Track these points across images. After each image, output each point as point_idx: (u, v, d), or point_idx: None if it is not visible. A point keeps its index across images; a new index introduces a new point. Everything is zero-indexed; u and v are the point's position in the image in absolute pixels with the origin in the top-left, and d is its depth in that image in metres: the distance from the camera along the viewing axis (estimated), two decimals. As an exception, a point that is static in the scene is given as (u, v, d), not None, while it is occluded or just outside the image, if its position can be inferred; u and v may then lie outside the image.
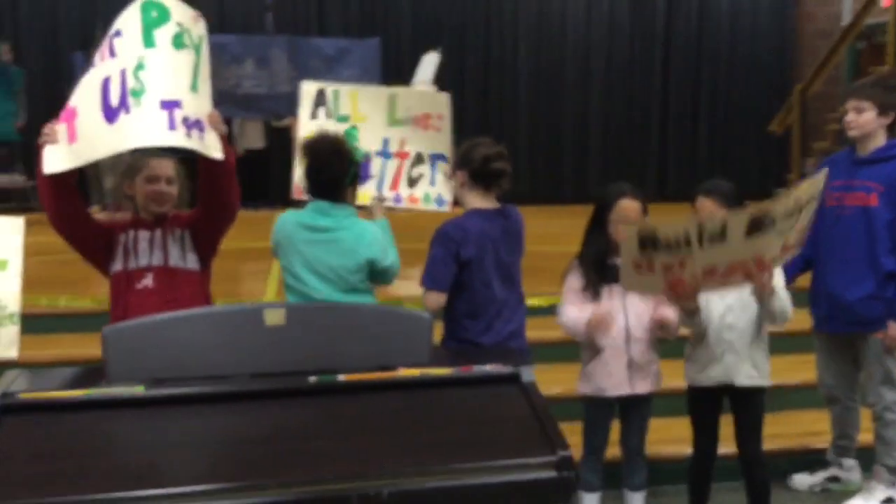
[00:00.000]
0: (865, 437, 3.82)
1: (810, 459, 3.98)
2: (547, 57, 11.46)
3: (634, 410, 3.31)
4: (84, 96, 2.83)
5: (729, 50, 11.67)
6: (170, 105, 2.75)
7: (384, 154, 4.39)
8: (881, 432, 3.61)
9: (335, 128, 4.26)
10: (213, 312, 2.41)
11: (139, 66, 2.77)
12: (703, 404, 3.33)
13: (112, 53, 2.83)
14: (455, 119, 10.99)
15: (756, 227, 2.55)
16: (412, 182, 4.59)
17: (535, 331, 3.43)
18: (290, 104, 10.22)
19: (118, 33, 2.85)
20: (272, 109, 10.40)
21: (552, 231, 8.45)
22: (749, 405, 3.28)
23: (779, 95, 11.10)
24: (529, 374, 2.41)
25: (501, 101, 11.46)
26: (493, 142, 3.23)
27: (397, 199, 4.23)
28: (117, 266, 3.02)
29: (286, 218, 3.24)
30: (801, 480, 3.92)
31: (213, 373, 2.27)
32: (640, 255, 2.62)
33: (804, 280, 3.72)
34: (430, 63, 10.24)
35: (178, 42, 2.84)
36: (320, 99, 4.72)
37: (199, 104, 2.85)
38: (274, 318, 2.32)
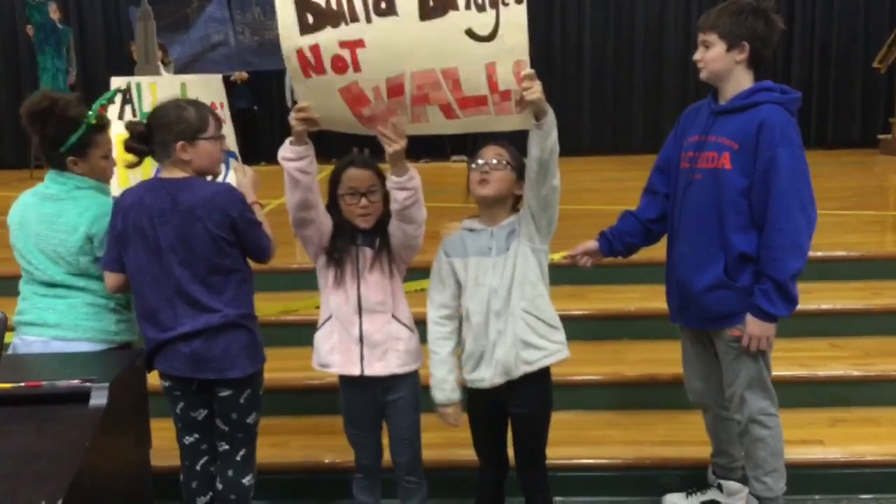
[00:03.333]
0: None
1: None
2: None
3: (392, 409, 2.77)
4: None
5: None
6: None
7: None
8: (749, 449, 2.87)
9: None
10: None
11: None
12: (483, 414, 2.74)
13: None
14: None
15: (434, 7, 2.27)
16: None
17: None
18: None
19: None
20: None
21: (594, 185, 7.79)
22: (529, 402, 2.66)
23: (890, 27, 9.62)
24: (101, 395, 1.98)
25: (565, 44, 10.61)
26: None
27: None
28: None
29: (25, 193, 2.89)
30: (673, 503, 3.23)
31: None
32: (301, 34, 2.32)
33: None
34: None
35: None
36: (127, 96, 4.25)
37: None
38: None
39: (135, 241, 2.57)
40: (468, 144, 10.05)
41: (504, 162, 2.59)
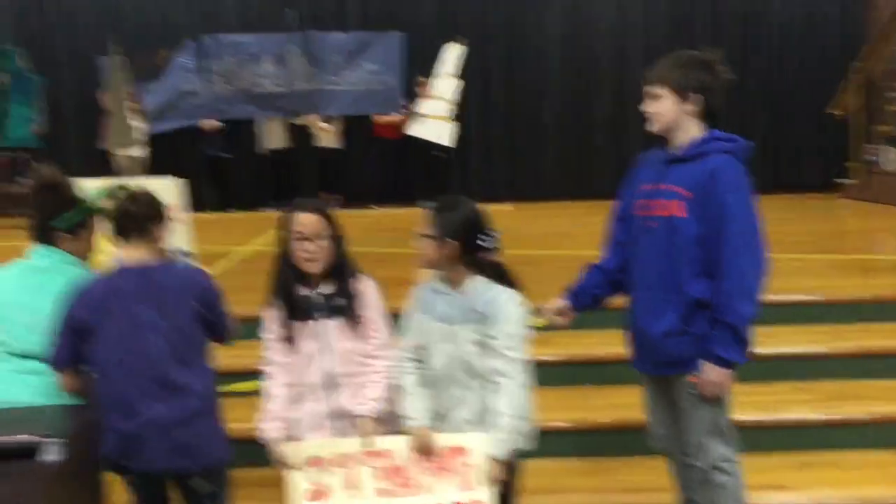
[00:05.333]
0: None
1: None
2: (579, 43, 10.77)
3: None
4: None
5: (784, 21, 10.51)
6: None
7: None
8: (710, 496, 2.86)
9: None
10: None
11: None
12: None
13: None
14: (481, 116, 10.78)
15: None
16: None
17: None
18: (307, 102, 10.21)
19: None
20: (290, 107, 10.23)
21: (565, 230, 7.84)
22: None
23: (844, 73, 9.89)
24: (56, 451, 1.95)
25: (528, 93, 10.80)
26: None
27: None
28: None
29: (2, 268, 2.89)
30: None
31: None
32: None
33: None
34: (452, 55, 9.78)
35: None
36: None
37: None
38: None
39: (106, 328, 2.51)
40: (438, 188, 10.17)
41: (430, 234, 2.57)
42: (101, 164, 9.90)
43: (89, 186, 3.61)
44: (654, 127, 2.80)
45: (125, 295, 2.51)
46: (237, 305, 2.80)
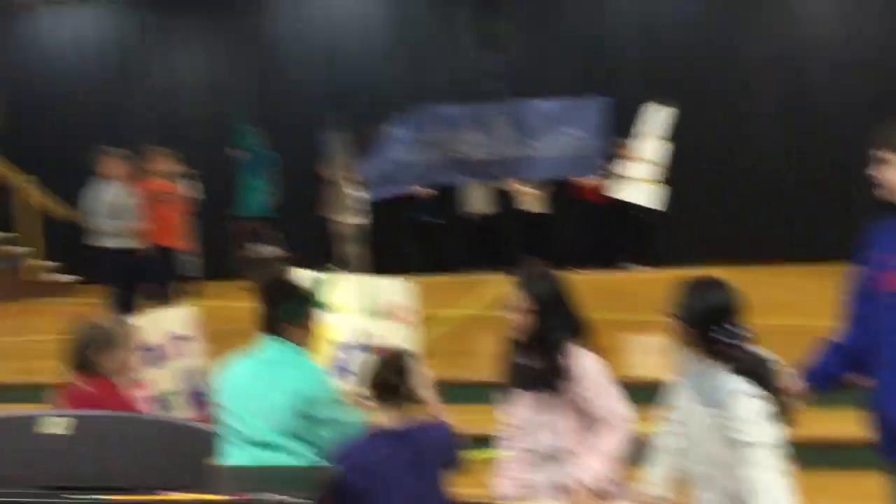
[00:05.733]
0: None
1: None
2: (798, 94, 10.32)
3: None
4: None
5: None
6: None
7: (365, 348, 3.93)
8: None
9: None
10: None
11: None
12: None
13: None
14: (692, 177, 10.50)
15: None
16: None
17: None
18: (511, 168, 10.45)
19: None
20: (494, 173, 10.49)
21: (786, 297, 7.36)
22: None
23: None
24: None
25: (742, 151, 10.44)
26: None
27: None
28: None
29: (238, 358, 3.15)
30: None
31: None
32: None
33: None
34: (655, 116, 9.68)
35: None
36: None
37: None
38: (49, 426, 2.26)
39: (368, 493, 2.61)
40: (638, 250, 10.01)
41: (674, 314, 2.54)
42: (322, 231, 10.66)
43: (308, 276, 3.94)
44: (884, 194, 2.63)
45: (385, 461, 2.62)
46: (447, 369, 2.88)
